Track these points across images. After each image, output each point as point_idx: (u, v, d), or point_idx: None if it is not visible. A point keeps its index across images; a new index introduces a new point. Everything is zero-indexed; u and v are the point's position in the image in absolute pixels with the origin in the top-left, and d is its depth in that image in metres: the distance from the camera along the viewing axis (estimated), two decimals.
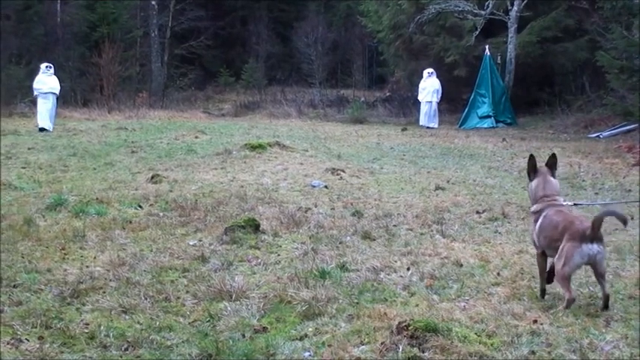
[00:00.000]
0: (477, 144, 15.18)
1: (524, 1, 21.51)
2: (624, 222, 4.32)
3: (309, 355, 3.60)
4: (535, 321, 3.99)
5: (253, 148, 12.22)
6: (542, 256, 4.54)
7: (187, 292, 4.61)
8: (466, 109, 21.18)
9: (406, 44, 24.38)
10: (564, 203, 4.63)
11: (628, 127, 16.80)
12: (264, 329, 3.94)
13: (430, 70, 21.03)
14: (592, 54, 18.77)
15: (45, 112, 17.04)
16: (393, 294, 4.56)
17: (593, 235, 4.11)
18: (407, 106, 24.95)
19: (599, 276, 4.25)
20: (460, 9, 21.99)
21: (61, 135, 15.88)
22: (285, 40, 35.20)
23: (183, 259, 5.39)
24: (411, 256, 5.54)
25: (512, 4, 21.63)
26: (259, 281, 4.84)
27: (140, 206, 7.46)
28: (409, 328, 3.62)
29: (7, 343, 3.64)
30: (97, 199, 7.60)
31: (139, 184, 9.05)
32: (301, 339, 3.81)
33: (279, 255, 5.59)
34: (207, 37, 32.67)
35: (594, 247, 4.13)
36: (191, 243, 5.92)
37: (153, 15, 31.51)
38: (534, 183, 4.63)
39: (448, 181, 9.72)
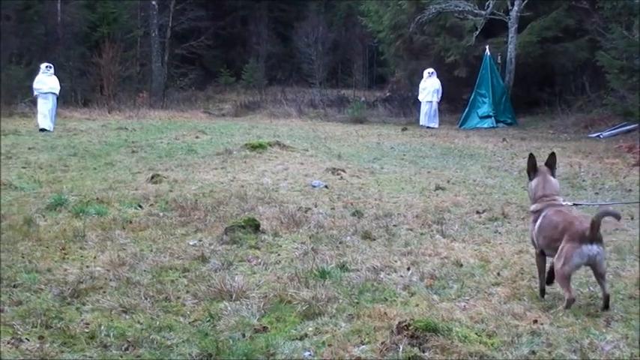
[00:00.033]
0: (477, 144, 15.18)
1: (525, 1, 21.51)
2: (617, 218, 4.35)
3: (309, 355, 3.60)
4: (535, 321, 3.99)
5: (253, 148, 12.22)
6: (541, 255, 4.54)
7: (187, 291, 4.61)
8: (466, 109, 21.18)
9: (406, 44, 24.38)
10: (564, 203, 4.63)
11: (628, 127, 16.80)
12: (265, 329, 3.94)
13: (430, 70, 21.03)
14: (592, 54, 18.77)
15: (45, 112, 17.04)
16: (393, 294, 4.56)
17: (593, 235, 4.11)
18: (407, 106, 24.96)
19: (599, 276, 4.25)
20: (460, 9, 21.99)
21: (62, 135, 15.89)
22: (285, 40, 35.22)
23: (184, 259, 5.40)
24: (411, 256, 5.54)
25: (512, 4, 21.63)
26: (259, 281, 4.84)
27: (140, 206, 7.46)
28: (409, 327, 3.62)
29: (8, 343, 3.64)
30: (97, 199, 7.60)
31: (139, 184, 9.05)
32: (301, 339, 3.81)
33: (279, 255, 5.60)
34: (208, 37, 32.67)
35: (594, 248, 4.14)
36: (191, 243, 5.92)
37: (153, 15, 31.51)
38: (534, 182, 4.63)
39: (448, 181, 9.72)
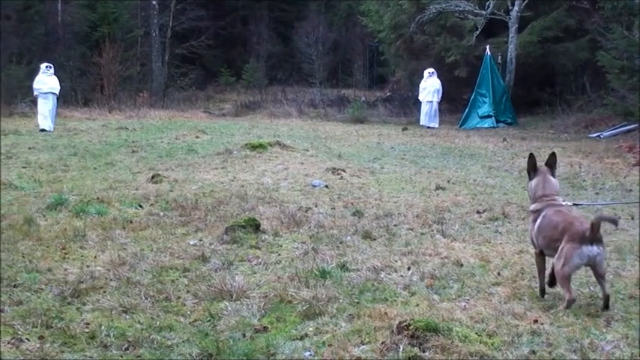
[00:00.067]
0: (477, 144, 15.18)
1: (525, 1, 21.50)
2: (615, 223, 4.33)
3: (310, 355, 3.60)
4: (535, 321, 3.99)
5: (254, 147, 12.22)
6: (541, 255, 4.55)
7: (188, 291, 4.62)
8: (467, 109, 21.17)
9: (407, 44, 24.37)
10: (563, 203, 4.63)
11: (628, 127, 16.80)
12: (265, 329, 3.94)
13: (431, 69, 21.02)
14: (593, 54, 18.77)
15: (45, 113, 17.03)
16: (394, 294, 4.56)
17: (593, 236, 4.12)
18: (407, 105, 24.96)
19: (599, 276, 4.25)
20: (461, 9, 21.98)
21: (62, 135, 15.89)
22: (285, 40, 35.22)
23: (184, 259, 5.40)
24: (411, 255, 5.54)
25: (512, 4, 21.62)
26: (260, 281, 4.84)
27: (141, 206, 7.47)
28: (410, 327, 3.62)
29: (8, 343, 3.64)
30: (97, 198, 7.60)
31: (139, 183, 9.05)
32: (302, 338, 3.81)
33: (279, 255, 5.60)
34: (208, 37, 32.66)
35: (594, 249, 4.14)
36: (191, 243, 5.92)
37: (154, 15, 31.52)
38: (534, 182, 4.64)
39: (449, 181, 9.71)
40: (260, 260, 5.39)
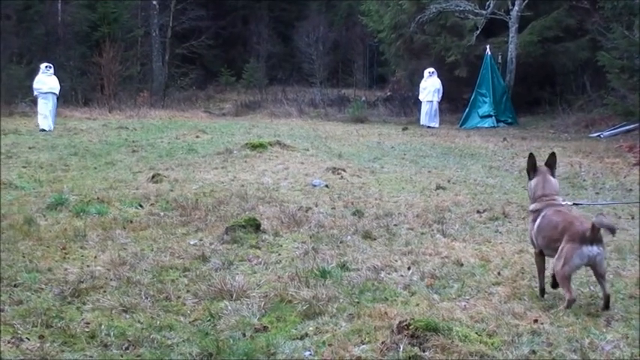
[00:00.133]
0: (477, 143, 15.18)
1: (525, 1, 21.49)
2: (612, 233, 4.21)
3: (310, 355, 3.60)
4: (536, 320, 3.99)
5: (254, 147, 12.22)
6: (540, 255, 4.55)
7: (188, 291, 4.62)
8: (467, 109, 21.18)
9: (407, 44, 24.38)
10: (563, 203, 4.63)
11: (628, 127, 16.79)
12: (265, 328, 3.94)
13: (431, 69, 21.02)
14: (593, 54, 18.77)
15: (46, 113, 17.03)
16: (394, 293, 4.56)
17: (593, 236, 4.11)
18: (408, 105, 24.96)
19: (599, 276, 4.25)
20: (461, 9, 21.98)
21: (62, 134, 15.90)
22: (286, 40, 35.24)
23: (184, 259, 5.40)
24: (411, 255, 5.54)
25: (513, 4, 21.62)
26: (260, 280, 4.84)
27: (141, 206, 7.47)
28: (410, 327, 3.62)
29: (8, 342, 3.65)
30: (97, 198, 7.60)
31: (139, 183, 9.05)
32: (302, 338, 3.81)
33: (279, 254, 5.60)
34: (208, 37, 32.67)
35: (594, 249, 4.14)
36: (192, 242, 5.92)
37: (154, 14, 31.53)
38: (533, 182, 4.64)
39: (449, 181, 9.71)
40: (260, 260, 5.39)
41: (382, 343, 3.60)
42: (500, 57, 21.57)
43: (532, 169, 4.67)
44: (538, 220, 4.49)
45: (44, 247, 5.62)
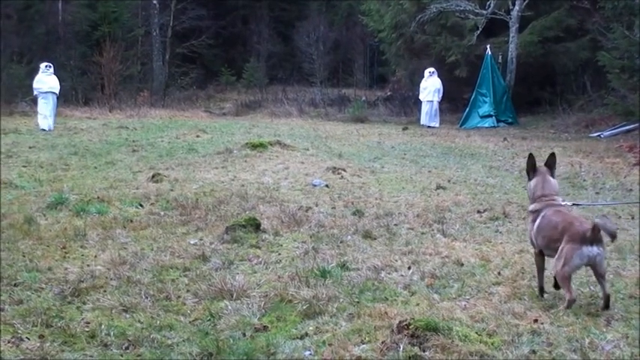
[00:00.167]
0: (477, 143, 15.17)
1: (526, 1, 21.49)
2: (613, 238, 4.16)
3: (310, 354, 3.60)
4: (536, 320, 3.99)
5: (254, 147, 12.22)
6: (540, 255, 4.55)
7: (188, 291, 4.62)
8: (467, 109, 21.16)
9: (407, 43, 24.37)
10: (563, 203, 4.63)
11: (629, 127, 16.79)
12: (265, 328, 3.94)
13: (431, 69, 21.02)
14: (593, 54, 18.77)
15: (46, 113, 17.01)
16: (394, 293, 4.56)
17: (593, 237, 4.11)
18: (408, 105, 24.95)
19: (599, 276, 4.25)
20: (461, 8, 21.97)
21: (62, 134, 15.90)
22: (286, 40, 35.22)
23: (184, 258, 5.40)
24: (411, 255, 5.54)
25: (513, 4, 21.61)
26: (260, 280, 4.84)
27: (141, 205, 7.47)
28: (410, 327, 3.62)
29: (8, 342, 3.65)
30: (97, 197, 7.60)
31: (139, 183, 9.05)
32: (302, 338, 3.81)
33: (279, 254, 5.60)
34: (209, 36, 32.68)
35: (594, 250, 4.14)
36: (192, 242, 5.92)
37: (154, 14, 31.53)
38: (533, 182, 4.64)
39: (449, 181, 9.71)
40: (260, 259, 5.39)
41: (382, 342, 3.60)
42: (500, 57, 21.56)
43: (532, 169, 4.67)
44: (538, 221, 4.49)
45: (44, 247, 5.63)
